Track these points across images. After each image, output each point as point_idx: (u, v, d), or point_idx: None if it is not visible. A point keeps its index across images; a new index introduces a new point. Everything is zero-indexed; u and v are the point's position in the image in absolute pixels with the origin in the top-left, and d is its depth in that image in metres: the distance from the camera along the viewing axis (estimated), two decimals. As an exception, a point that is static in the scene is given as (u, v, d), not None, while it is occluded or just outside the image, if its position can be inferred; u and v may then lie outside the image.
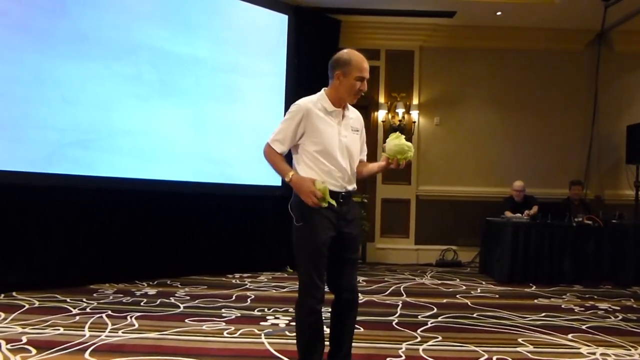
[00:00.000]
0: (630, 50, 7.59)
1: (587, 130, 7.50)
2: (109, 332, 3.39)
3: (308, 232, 2.37)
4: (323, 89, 2.49)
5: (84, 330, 3.40)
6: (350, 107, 2.52)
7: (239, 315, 4.00)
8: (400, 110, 7.44)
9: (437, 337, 3.51)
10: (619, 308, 4.73)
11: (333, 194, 2.36)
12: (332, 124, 2.42)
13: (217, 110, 5.97)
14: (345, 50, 2.47)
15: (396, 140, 2.41)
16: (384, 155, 2.46)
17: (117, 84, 5.23)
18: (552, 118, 7.65)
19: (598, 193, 7.57)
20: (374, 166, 2.58)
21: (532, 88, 7.67)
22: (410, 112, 7.53)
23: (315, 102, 2.43)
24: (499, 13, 6.94)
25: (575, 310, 4.60)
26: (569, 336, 3.66)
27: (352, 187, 2.50)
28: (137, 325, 3.57)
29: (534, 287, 5.76)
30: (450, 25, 7.34)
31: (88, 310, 3.96)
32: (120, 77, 5.24)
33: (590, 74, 7.51)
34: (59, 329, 3.41)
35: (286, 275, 6.10)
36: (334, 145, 2.40)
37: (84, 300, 4.28)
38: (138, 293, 4.70)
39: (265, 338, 3.39)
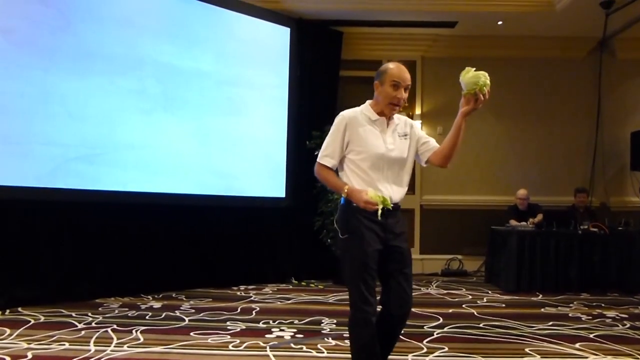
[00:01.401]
0: (633, 57, 7.58)
1: (591, 137, 7.48)
2: (115, 346, 3.39)
3: (353, 244, 2.34)
4: (367, 101, 2.53)
5: (89, 345, 3.40)
6: (395, 114, 2.50)
7: (244, 327, 4.00)
8: (403, 120, 7.44)
9: (444, 348, 3.49)
10: (626, 316, 4.70)
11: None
12: (375, 132, 2.43)
13: (221, 123, 6.00)
14: (385, 63, 2.53)
15: (470, 74, 2.32)
16: (463, 97, 2.37)
17: (122, 98, 5.27)
18: (556, 126, 7.64)
19: (603, 200, 7.53)
20: (455, 124, 2.44)
21: (535, 96, 7.67)
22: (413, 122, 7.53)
23: (359, 112, 2.47)
24: (500, 22, 6.95)
25: (583, 318, 4.57)
26: (577, 345, 3.64)
27: (399, 197, 2.44)
28: (142, 339, 3.57)
29: (541, 295, 5.72)
30: (452, 35, 7.37)
31: (93, 324, 3.97)
32: (124, 91, 5.29)
33: (593, 82, 7.51)
34: (64, 344, 3.42)
35: (291, 287, 6.09)
36: (379, 153, 2.39)
37: (89, 314, 4.28)
38: (143, 307, 4.70)
39: (271, 351, 3.38)
